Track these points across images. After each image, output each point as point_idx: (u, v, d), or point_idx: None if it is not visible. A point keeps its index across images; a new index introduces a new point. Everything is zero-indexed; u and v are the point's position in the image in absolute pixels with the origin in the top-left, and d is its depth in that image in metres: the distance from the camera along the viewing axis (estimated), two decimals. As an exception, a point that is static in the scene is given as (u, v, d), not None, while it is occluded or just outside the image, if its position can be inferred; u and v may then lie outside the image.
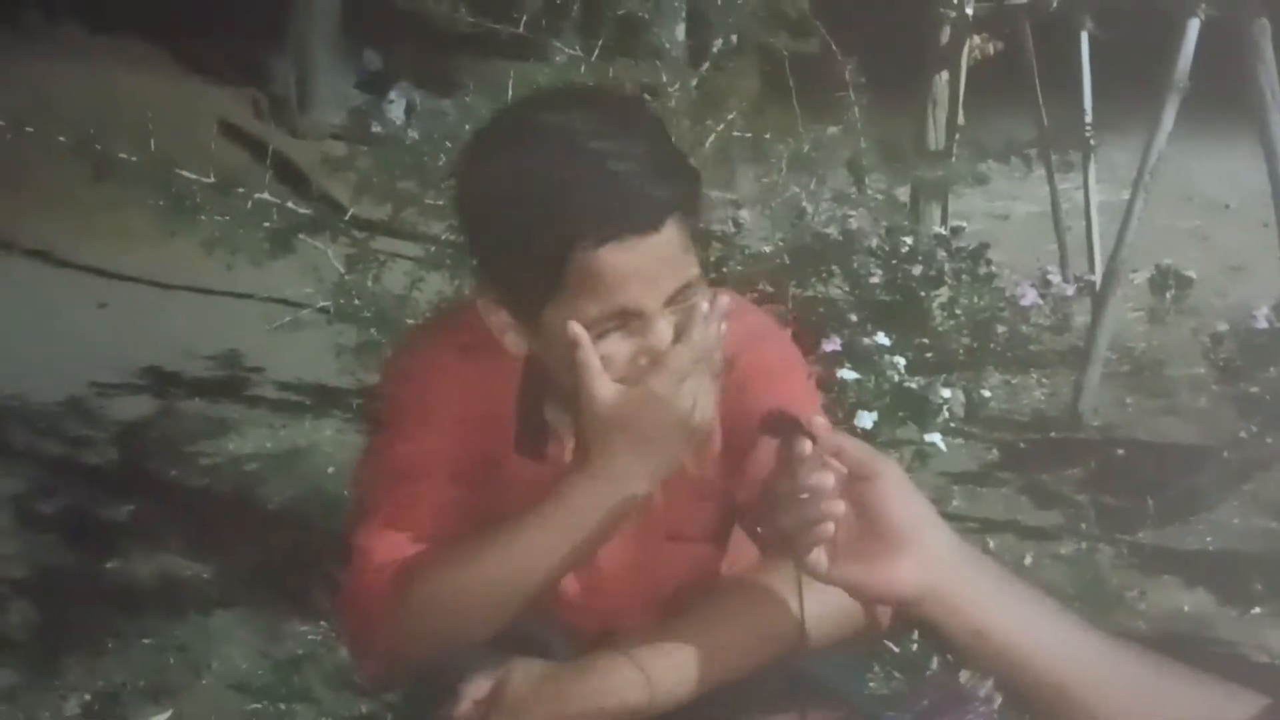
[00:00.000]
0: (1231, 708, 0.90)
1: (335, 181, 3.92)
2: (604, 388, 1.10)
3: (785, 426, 0.98)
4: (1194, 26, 3.56)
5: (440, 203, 3.02)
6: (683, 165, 1.15)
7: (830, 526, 0.95)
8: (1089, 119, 4.29)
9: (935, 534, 0.95)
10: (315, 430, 3.86)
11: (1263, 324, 3.53)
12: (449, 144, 2.98)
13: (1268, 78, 3.29)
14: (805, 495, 0.95)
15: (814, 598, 1.08)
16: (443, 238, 3.13)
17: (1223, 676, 0.94)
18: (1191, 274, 4.85)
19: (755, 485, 1.19)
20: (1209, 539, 3.02)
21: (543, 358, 1.17)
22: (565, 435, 1.24)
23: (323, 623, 2.61)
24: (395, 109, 8.39)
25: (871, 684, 2.39)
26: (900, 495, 0.95)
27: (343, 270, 3.22)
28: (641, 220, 1.08)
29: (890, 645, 2.46)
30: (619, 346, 1.12)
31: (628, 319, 1.11)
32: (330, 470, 3.47)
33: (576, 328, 1.10)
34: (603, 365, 1.11)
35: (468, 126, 3.00)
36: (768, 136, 3.23)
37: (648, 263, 1.09)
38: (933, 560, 0.94)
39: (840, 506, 0.95)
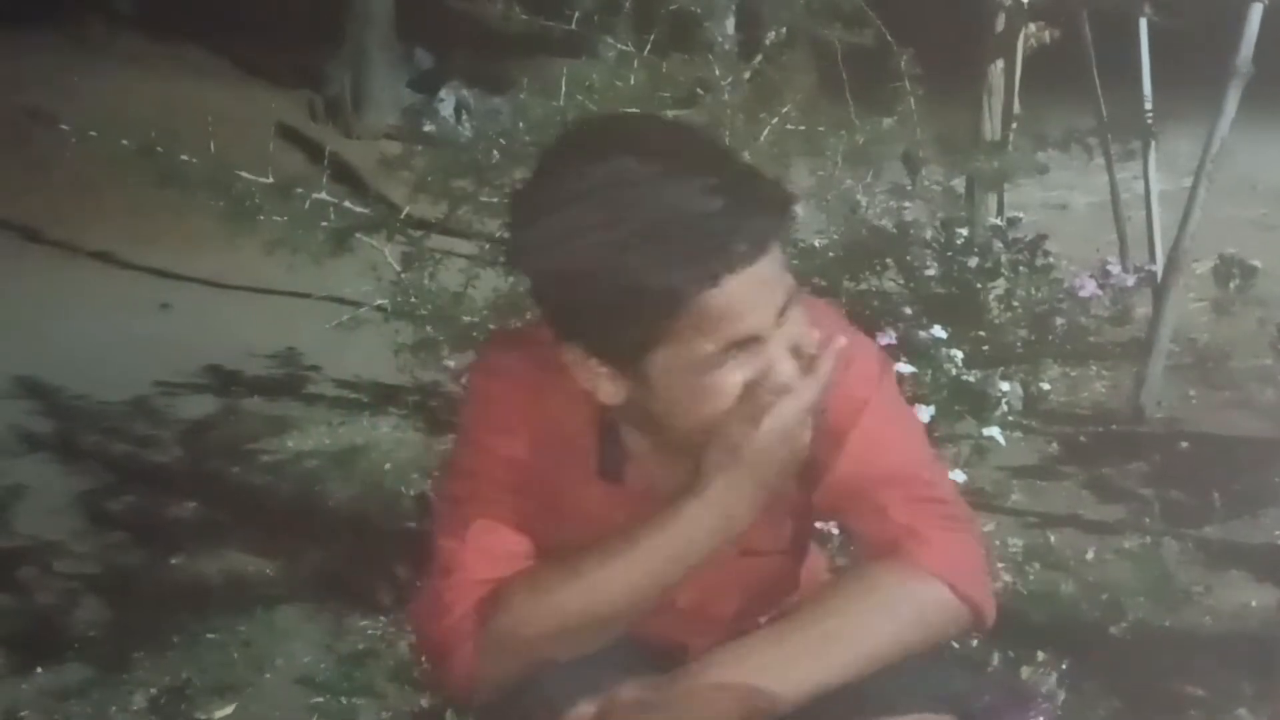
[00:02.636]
0: None
1: (391, 181, 3.96)
2: (752, 428, 1.10)
3: None
4: (1257, 10, 3.48)
5: (495, 200, 3.04)
6: (773, 185, 1.11)
7: None
8: (1149, 106, 4.22)
9: None
10: (373, 427, 3.90)
11: (1331, 313, 3.46)
12: (503, 141, 3.00)
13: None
14: None
15: (923, 592, 1.18)
16: (497, 235, 3.15)
17: None
18: (1256, 263, 4.75)
19: (836, 488, 1.23)
20: (1277, 533, 2.97)
21: (643, 400, 1.13)
22: (644, 459, 1.23)
23: (383, 618, 2.64)
24: (445, 107, 8.45)
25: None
26: None
27: (399, 269, 3.26)
28: (751, 251, 1.06)
29: (951, 642, 2.43)
30: (736, 375, 1.10)
31: (746, 345, 1.09)
32: (387, 467, 3.50)
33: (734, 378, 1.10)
34: (719, 393, 1.10)
35: (520, 124, 3.01)
36: (822, 129, 3.20)
37: (759, 287, 1.08)
38: None
39: None
